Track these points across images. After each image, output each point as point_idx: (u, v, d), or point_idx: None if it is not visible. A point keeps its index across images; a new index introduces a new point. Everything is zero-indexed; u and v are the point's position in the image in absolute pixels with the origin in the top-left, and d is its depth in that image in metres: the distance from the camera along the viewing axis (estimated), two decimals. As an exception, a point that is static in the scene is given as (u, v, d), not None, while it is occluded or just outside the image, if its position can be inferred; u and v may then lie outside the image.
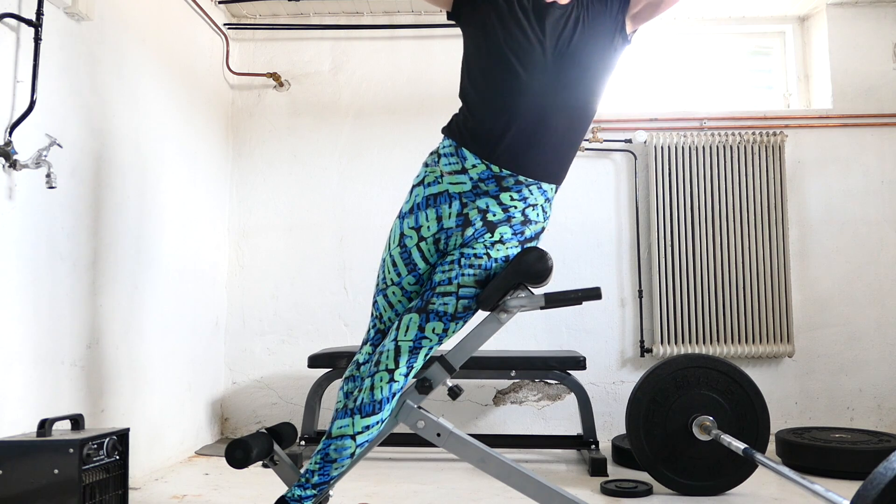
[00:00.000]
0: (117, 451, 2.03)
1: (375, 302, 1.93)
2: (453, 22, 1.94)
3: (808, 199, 3.64)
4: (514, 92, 1.76)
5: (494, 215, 1.79)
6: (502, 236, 1.78)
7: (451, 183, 1.81)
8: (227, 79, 3.71)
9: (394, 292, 1.88)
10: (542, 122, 1.76)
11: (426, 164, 1.89)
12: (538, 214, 1.83)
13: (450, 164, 1.81)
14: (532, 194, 1.81)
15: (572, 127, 1.81)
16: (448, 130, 1.86)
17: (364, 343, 1.93)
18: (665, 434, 2.48)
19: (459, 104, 3.72)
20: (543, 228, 1.86)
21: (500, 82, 1.78)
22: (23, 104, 2.05)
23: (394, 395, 1.75)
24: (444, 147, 1.85)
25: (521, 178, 1.78)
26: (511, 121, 1.76)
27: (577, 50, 1.78)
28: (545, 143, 1.78)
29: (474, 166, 1.78)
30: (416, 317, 1.76)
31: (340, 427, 1.75)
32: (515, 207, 1.79)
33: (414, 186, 1.89)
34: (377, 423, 1.75)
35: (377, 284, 1.93)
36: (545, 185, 1.82)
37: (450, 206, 1.81)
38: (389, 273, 1.89)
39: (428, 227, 1.83)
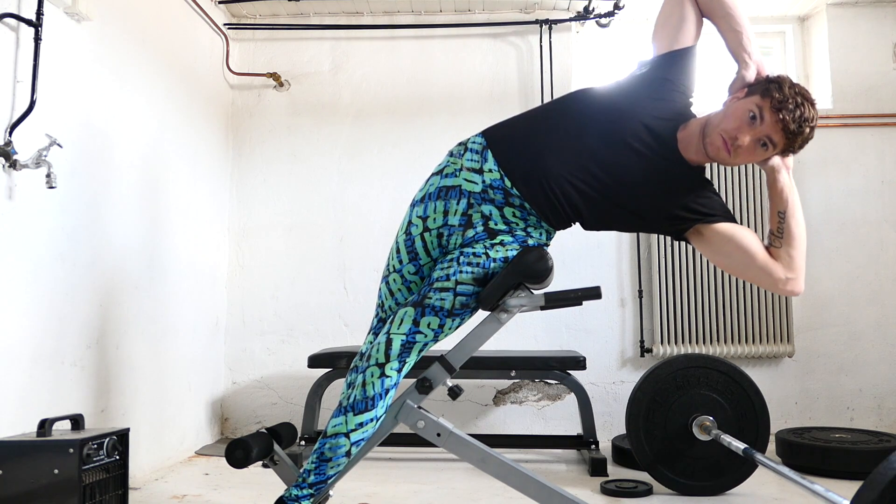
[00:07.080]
0: (117, 451, 2.03)
1: (380, 290, 1.94)
2: None
3: (808, 199, 3.63)
4: (560, 129, 1.76)
5: (496, 224, 1.77)
6: (503, 241, 1.77)
7: (465, 179, 1.80)
8: (227, 79, 3.71)
9: (395, 279, 1.89)
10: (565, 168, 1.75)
11: (450, 154, 1.87)
12: (541, 234, 1.82)
13: (471, 160, 1.81)
14: (531, 222, 1.79)
15: (591, 194, 1.77)
16: (486, 129, 1.86)
17: (368, 332, 1.94)
18: (665, 434, 2.48)
19: (459, 104, 3.75)
20: (547, 244, 1.85)
21: (555, 115, 1.80)
22: (23, 104, 2.05)
23: (387, 390, 1.74)
24: (472, 142, 1.84)
25: (527, 205, 1.76)
26: (542, 149, 1.75)
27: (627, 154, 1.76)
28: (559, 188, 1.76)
29: (490, 171, 1.77)
30: (412, 310, 1.76)
31: (335, 425, 1.75)
32: (517, 225, 1.78)
33: (432, 175, 1.88)
34: (371, 420, 1.73)
35: (383, 272, 1.94)
36: (546, 225, 1.80)
37: (458, 203, 1.80)
38: (393, 259, 1.90)
39: (434, 218, 1.82)
